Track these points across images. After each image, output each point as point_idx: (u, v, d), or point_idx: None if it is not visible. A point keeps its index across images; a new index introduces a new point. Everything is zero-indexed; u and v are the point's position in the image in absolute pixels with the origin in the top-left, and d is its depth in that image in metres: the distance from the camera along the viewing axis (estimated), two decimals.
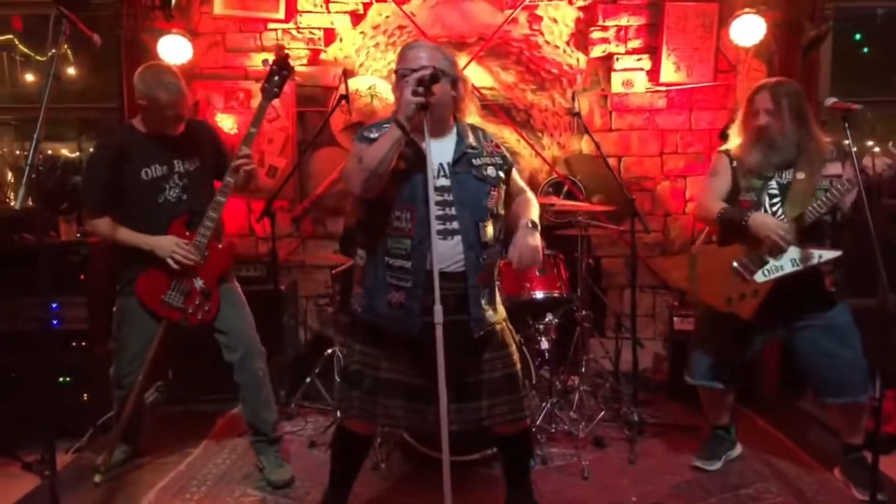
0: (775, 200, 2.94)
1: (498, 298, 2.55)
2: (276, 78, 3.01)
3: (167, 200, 3.03)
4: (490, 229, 2.39)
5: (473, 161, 2.40)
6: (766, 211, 2.94)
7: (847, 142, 2.62)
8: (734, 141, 3.11)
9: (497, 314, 2.50)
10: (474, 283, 2.35)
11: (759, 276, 2.90)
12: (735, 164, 3.05)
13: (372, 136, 2.36)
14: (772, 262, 2.89)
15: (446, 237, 2.30)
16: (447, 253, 2.30)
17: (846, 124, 2.58)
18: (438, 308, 2.13)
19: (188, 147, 3.09)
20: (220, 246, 3.10)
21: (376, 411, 2.43)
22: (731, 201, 3.03)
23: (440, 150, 2.37)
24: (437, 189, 2.28)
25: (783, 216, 2.89)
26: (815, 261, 2.85)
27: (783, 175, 2.95)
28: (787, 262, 2.87)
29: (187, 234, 3.00)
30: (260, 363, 3.16)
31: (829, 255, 2.85)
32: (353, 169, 2.30)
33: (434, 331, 2.13)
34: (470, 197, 2.35)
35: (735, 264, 2.94)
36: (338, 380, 2.60)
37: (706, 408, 3.36)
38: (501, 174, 2.45)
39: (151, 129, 3.04)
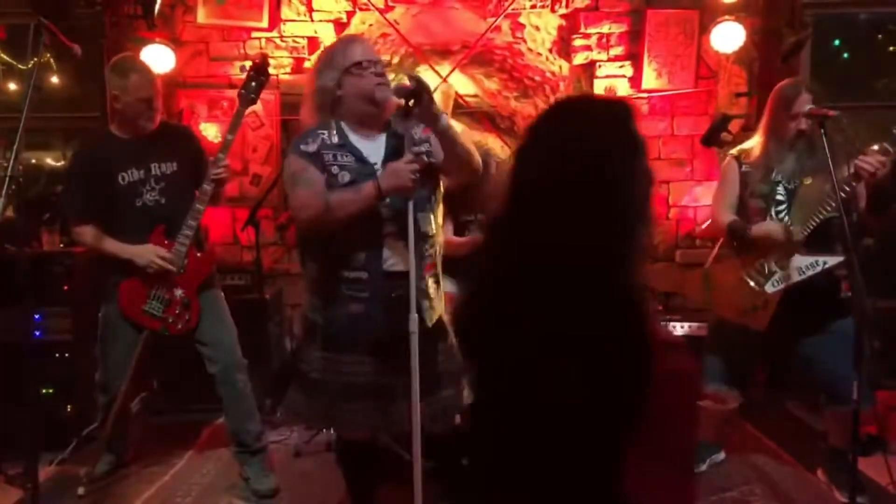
0: (781, 207, 2.93)
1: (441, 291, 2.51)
2: (254, 84, 2.98)
3: (145, 204, 3.00)
4: (429, 219, 2.36)
5: (413, 149, 2.28)
6: (772, 217, 2.93)
7: (830, 145, 2.63)
8: (753, 142, 3.06)
9: (442, 306, 2.47)
10: (420, 274, 2.31)
11: (769, 287, 2.90)
12: (745, 168, 3.01)
13: (310, 149, 2.31)
14: (779, 273, 2.89)
15: (399, 238, 2.28)
16: (402, 253, 2.27)
17: (822, 130, 2.61)
18: (414, 317, 2.16)
19: (165, 149, 3.06)
20: (198, 255, 3.07)
21: (342, 417, 2.38)
22: (742, 207, 3.01)
23: (375, 150, 2.35)
24: None
25: (789, 223, 2.89)
26: (819, 268, 2.83)
27: (792, 181, 2.92)
28: (793, 272, 2.86)
29: (166, 242, 2.98)
30: (241, 375, 3.14)
31: (833, 261, 2.82)
32: (316, 212, 2.25)
33: (399, 330, 2.17)
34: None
35: (745, 276, 2.95)
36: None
37: (704, 419, 3.28)
38: (433, 160, 2.35)
39: (127, 127, 3.02)
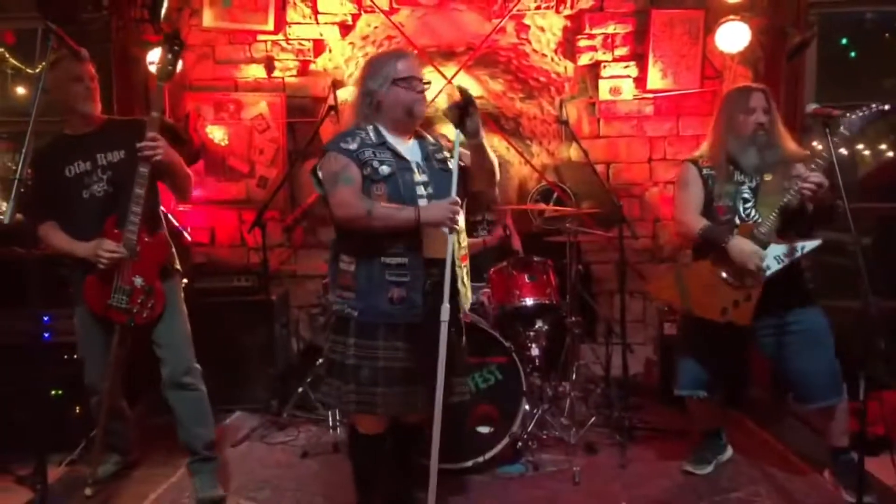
0: (748, 205, 2.97)
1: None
2: (169, 56, 2.90)
3: (93, 196, 2.94)
4: (462, 216, 2.54)
5: (437, 156, 2.62)
6: (740, 215, 2.97)
7: (829, 146, 2.63)
8: (705, 148, 3.14)
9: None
10: (459, 264, 2.52)
11: (748, 280, 2.90)
12: (705, 171, 3.06)
13: (350, 147, 2.49)
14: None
15: (437, 226, 2.46)
16: (439, 240, 2.45)
17: (827, 129, 2.61)
18: (446, 307, 2.33)
19: (111, 139, 2.99)
20: (146, 239, 2.94)
21: (375, 401, 2.48)
22: (706, 209, 3.04)
23: (411, 151, 2.59)
24: (422, 184, 2.51)
25: (758, 218, 2.92)
26: (798, 253, 2.85)
27: (754, 178, 2.98)
28: (772, 261, 2.87)
29: (116, 232, 2.91)
30: (189, 379, 3.03)
31: (811, 245, 2.86)
32: (356, 213, 2.42)
33: (434, 314, 2.34)
34: (442, 187, 2.51)
35: (724, 274, 2.94)
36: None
37: (694, 418, 3.35)
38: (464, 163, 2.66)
39: (74, 120, 2.99)
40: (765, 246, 2.87)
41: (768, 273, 2.87)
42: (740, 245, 2.88)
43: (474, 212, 4.01)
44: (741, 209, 2.97)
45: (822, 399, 2.95)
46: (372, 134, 2.54)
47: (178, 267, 3.17)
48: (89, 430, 3.49)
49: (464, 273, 2.59)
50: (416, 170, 2.53)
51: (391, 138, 2.55)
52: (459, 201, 2.42)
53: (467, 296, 2.64)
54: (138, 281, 2.92)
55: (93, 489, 3.06)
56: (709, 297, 2.98)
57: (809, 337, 2.95)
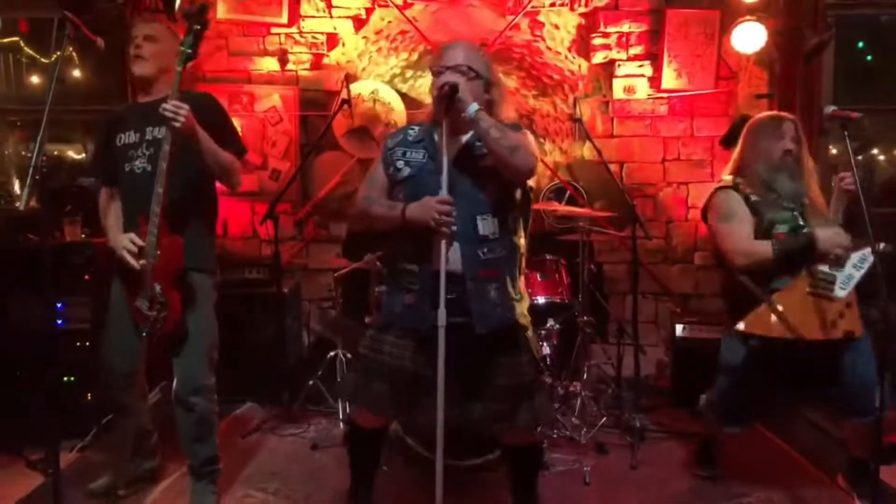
0: (805, 230, 2.86)
1: (523, 299, 2.49)
2: (189, 37, 2.67)
3: (133, 171, 2.78)
4: (490, 223, 2.35)
5: (476, 153, 2.39)
6: None
7: (851, 148, 2.61)
8: (730, 175, 3.03)
9: (517, 313, 2.42)
10: (473, 276, 2.32)
11: (839, 292, 2.80)
12: (753, 199, 2.92)
13: (388, 143, 2.52)
14: (839, 275, 2.81)
15: (425, 227, 2.28)
16: (452, 253, 2.28)
17: (846, 132, 2.59)
18: (442, 311, 2.21)
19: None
20: (164, 240, 2.67)
21: (369, 396, 2.46)
22: (760, 237, 2.89)
23: (451, 149, 2.37)
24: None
25: None
26: (869, 260, 2.77)
27: (798, 204, 2.91)
28: (854, 270, 2.80)
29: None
30: (195, 399, 2.82)
31: (882, 246, 2.75)
32: (360, 208, 2.51)
33: (451, 330, 2.22)
34: (468, 189, 2.34)
35: (812, 290, 2.81)
36: (351, 371, 2.64)
37: (715, 431, 3.20)
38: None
39: (137, 85, 2.94)
40: (842, 255, 2.81)
41: (855, 280, 2.80)
42: (825, 233, 2.80)
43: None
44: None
45: (871, 414, 2.75)
46: (426, 129, 2.45)
47: (212, 270, 2.92)
48: (100, 417, 3.52)
49: (483, 288, 2.33)
50: (446, 172, 2.29)
51: (446, 137, 2.31)
52: (451, 200, 2.24)
53: (485, 314, 2.33)
54: (157, 288, 2.69)
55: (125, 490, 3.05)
56: (808, 316, 2.82)
57: (858, 352, 2.84)
